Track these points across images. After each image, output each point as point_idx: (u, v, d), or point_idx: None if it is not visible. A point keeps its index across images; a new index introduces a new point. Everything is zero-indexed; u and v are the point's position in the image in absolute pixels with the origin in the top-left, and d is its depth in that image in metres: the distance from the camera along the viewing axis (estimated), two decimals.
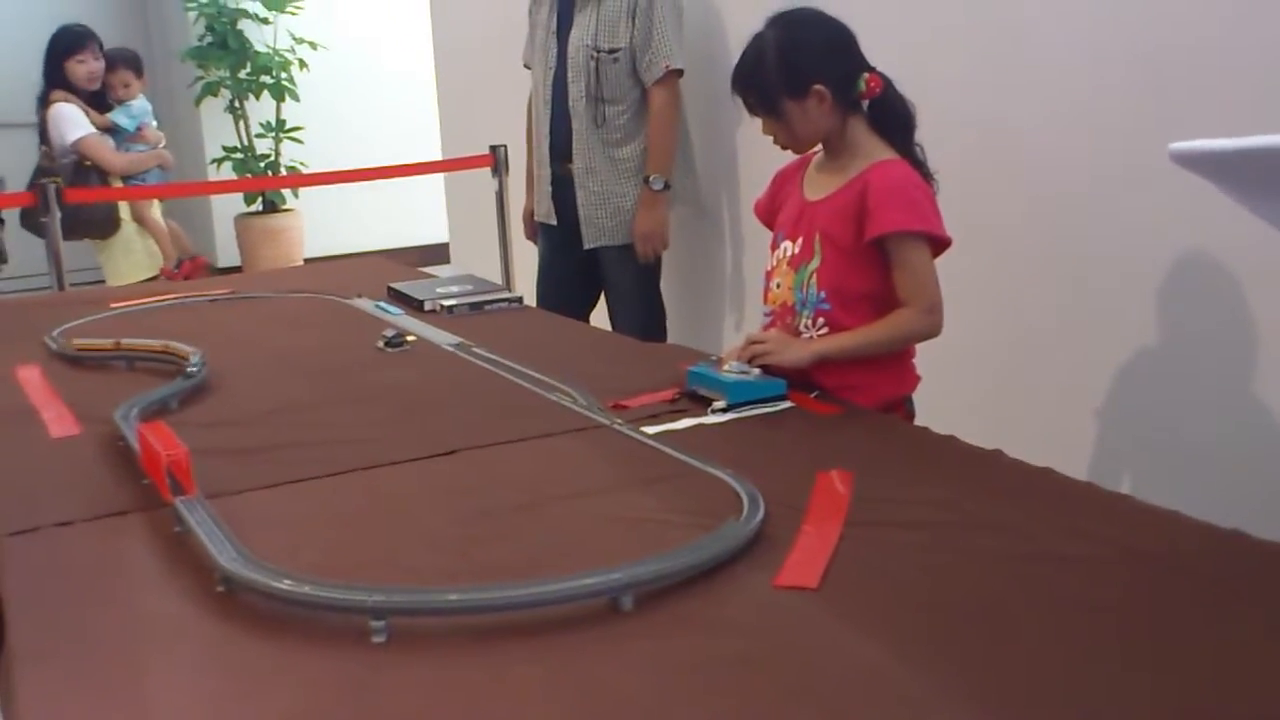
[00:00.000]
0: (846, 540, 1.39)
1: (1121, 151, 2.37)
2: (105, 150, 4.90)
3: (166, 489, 1.51)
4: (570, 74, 3.48)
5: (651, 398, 2.00)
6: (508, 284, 4.34)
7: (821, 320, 2.04)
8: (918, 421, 2.07)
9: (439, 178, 5.68)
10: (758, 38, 2.06)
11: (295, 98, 7.14)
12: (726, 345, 2.84)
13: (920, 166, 2.07)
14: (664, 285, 3.67)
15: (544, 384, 2.12)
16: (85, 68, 4.89)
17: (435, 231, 6.26)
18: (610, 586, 1.24)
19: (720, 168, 3.64)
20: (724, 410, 1.90)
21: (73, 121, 4.82)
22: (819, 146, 2.12)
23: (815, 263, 2.05)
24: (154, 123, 5.22)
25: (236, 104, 7.11)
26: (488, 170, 4.58)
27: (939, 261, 2.02)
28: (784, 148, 2.13)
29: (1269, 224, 1.26)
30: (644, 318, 3.57)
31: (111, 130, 5.00)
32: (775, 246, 2.17)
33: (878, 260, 2.01)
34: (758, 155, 2.91)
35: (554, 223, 3.63)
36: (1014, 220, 2.64)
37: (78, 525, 1.55)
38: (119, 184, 4.93)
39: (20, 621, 1.27)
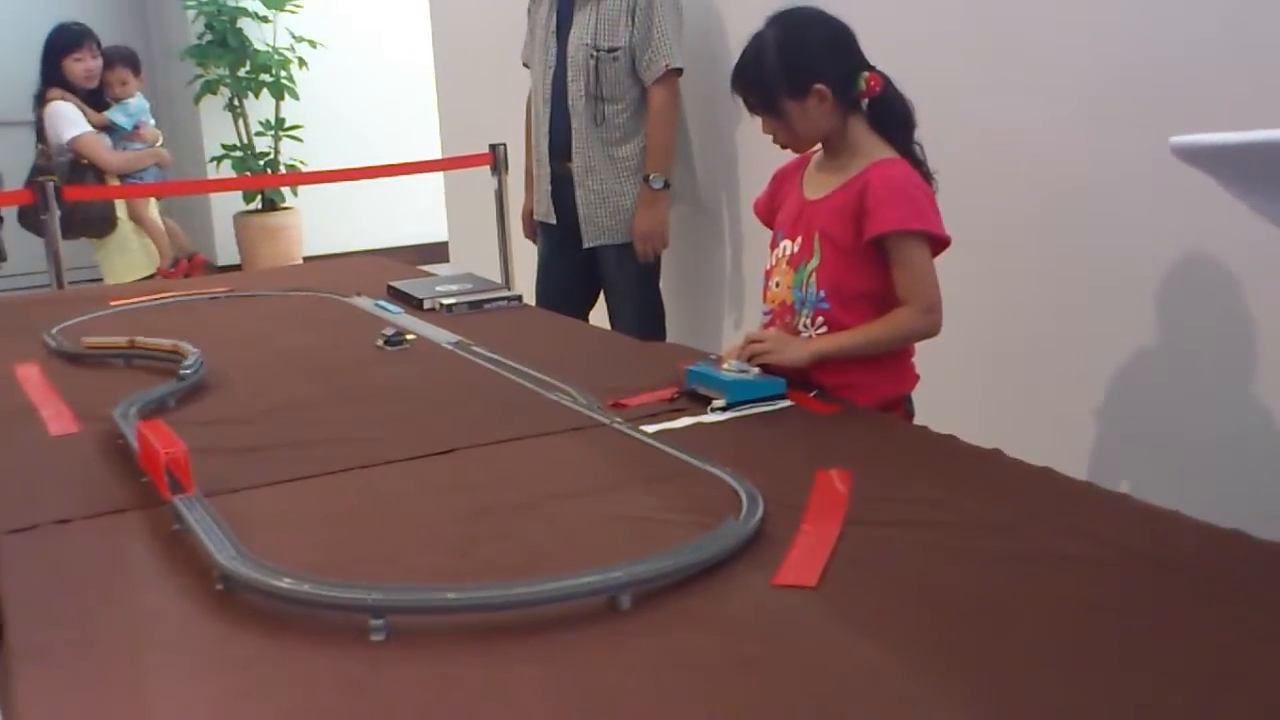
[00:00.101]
0: (845, 539, 1.39)
1: (1121, 151, 2.37)
2: (101, 148, 4.89)
3: (165, 487, 1.51)
4: (570, 73, 3.48)
5: (651, 396, 2.00)
6: (507, 283, 4.34)
7: (821, 319, 2.04)
8: (917, 420, 2.07)
9: (438, 176, 5.68)
10: (758, 37, 2.06)
11: (295, 96, 7.13)
12: (726, 344, 2.84)
13: (920, 166, 2.07)
14: (663, 284, 3.67)
15: (543, 383, 2.12)
16: (82, 66, 4.89)
17: (434, 230, 6.26)
18: (609, 585, 1.24)
19: (719, 167, 3.64)
20: (723, 409, 1.90)
21: (69, 120, 4.81)
22: (818, 145, 2.12)
23: (814, 262, 2.05)
24: (151, 121, 5.21)
25: (236, 102, 7.11)
26: (487, 169, 4.58)
27: (938, 261, 2.02)
28: (783, 147, 2.13)
29: (1269, 221, 1.26)
30: (643, 316, 3.57)
31: (109, 128, 4.99)
32: (774, 245, 2.17)
33: (877, 259, 2.01)
34: (757, 154, 2.91)
35: (553, 221, 3.63)
36: (1014, 220, 2.64)
37: (77, 523, 1.55)
38: (116, 182, 4.92)
39: (19, 619, 1.27)
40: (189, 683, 1.16)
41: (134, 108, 5.10)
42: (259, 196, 7.16)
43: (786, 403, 1.93)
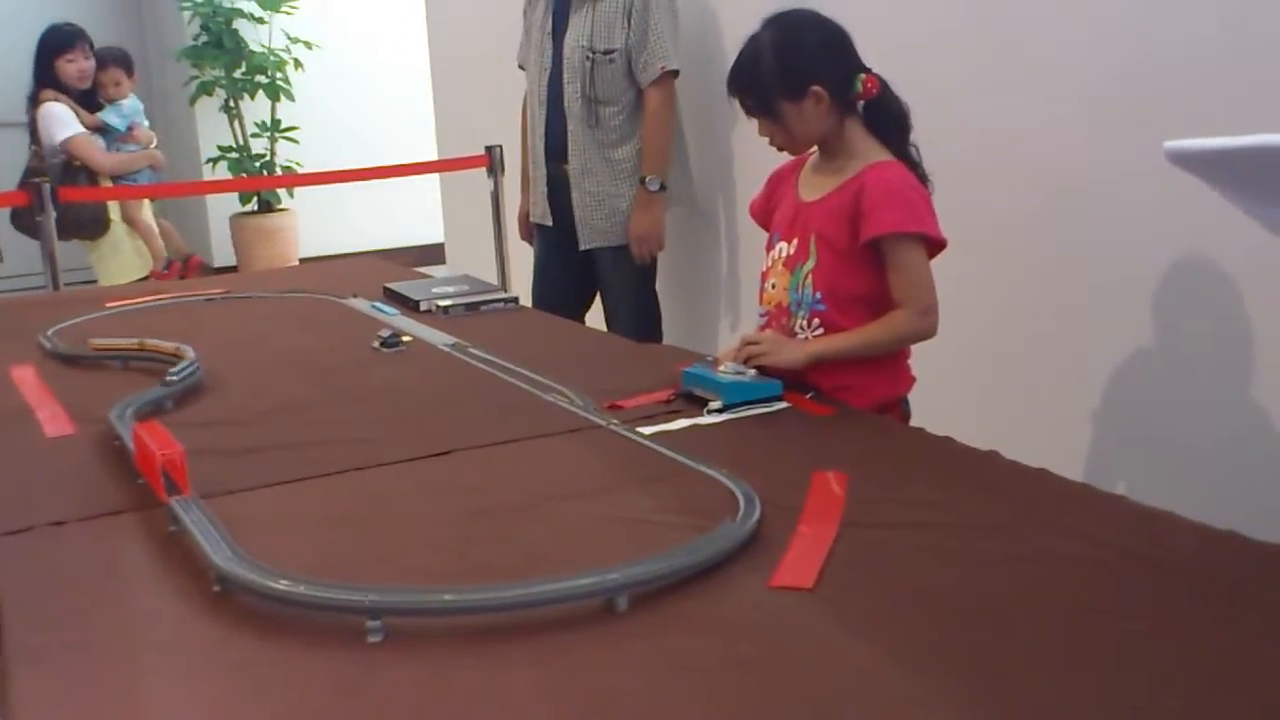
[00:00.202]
0: (842, 541, 1.39)
1: (1120, 152, 2.37)
2: (94, 150, 4.87)
3: (162, 489, 1.51)
4: (566, 75, 3.48)
5: (647, 398, 2.00)
6: (503, 284, 4.34)
7: (817, 321, 2.05)
8: (914, 422, 2.07)
9: (434, 178, 5.68)
10: (754, 39, 2.06)
11: (290, 97, 7.13)
12: (722, 346, 2.84)
13: (916, 168, 2.07)
14: (659, 286, 3.67)
15: (540, 384, 2.12)
16: (75, 66, 4.87)
17: (431, 232, 6.26)
18: (606, 587, 1.24)
19: (716, 169, 3.64)
20: (720, 411, 1.90)
21: (61, 121, 4.80)
22: (814, 148, 2.12)
23: (810, 264, 2.05)
24: (145, 122, 5.19)
25: (231, 104, 7.11)
26: (483, 170, 4.58)
27: (935, 263, 2.02)
28: (780, 149, 2.13)
29: (1263, 225, 1.27)
30: (639, 318, 3.57)
31: (102, 130, 4.98)
32: (770, 247, 2.17)
33: (873, 261, 2.01)
34: (753, 156, 2.91)
35: (549, 223, 3.63)
36: (1010, 221, 2.64)
37: (72, 525, 1.55)
38: (109, 184, 4.91)
39: (15, 621, 1.27)
40: (185, 684, 1.16)
41: (127, 109, 5.09)
42: (255, 198, 7.16)
43: (783, 404, 1.93)
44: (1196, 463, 2.30)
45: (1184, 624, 1.17)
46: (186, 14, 7.02)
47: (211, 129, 7.23)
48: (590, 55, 3.43)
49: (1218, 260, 2.23)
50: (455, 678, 1.13)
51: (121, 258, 4.94)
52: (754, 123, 2.11)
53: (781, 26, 2.05)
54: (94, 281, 4.99)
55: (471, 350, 2.41)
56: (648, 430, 1.84)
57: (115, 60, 5.09)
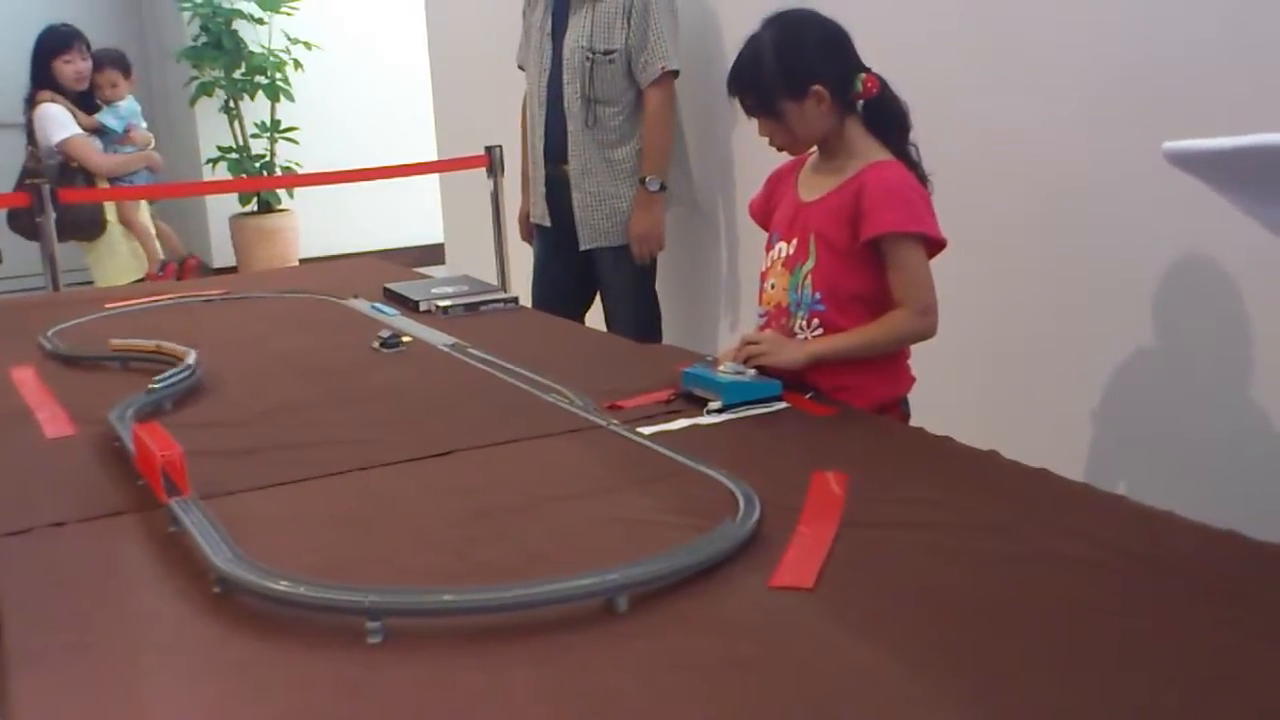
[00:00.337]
0: (842, 541, 1.39)
1: (1120, 151, 2.37)
2: (90, 151, 4.87)
3: (161, 490, 1.51)
4: (565, 75, 3.48)
5: (647, 398, 2.00)
6: (503, 285, 4.34)
7: (816, 321, 2.04)
8: (914, 422, 2.07)
9: (434, 178, 5.68)
10: (754, 38, 2.06)
11: (290, 98, 7.13)
12: (722, 346, 2.84)
13: (915, 167, 2.07)
14: (659, 286, 3.67)
15: (540, 385, 2.12)
16: (72, 68, 4.87)
17: (430, 232, 6.26)
18: (606, 587, 1.24)
19: (715, 169, 3.64)
20: (719, 411, 1.90)
21: (58, 122, 4.79)
22: (814, 148, 2.12)
23: (810, 264, 2.05)
24: (143, 124, 5.18)
25: (231, 104, 7.10)
26: (483, 171, 4.58)
27: (934, 262, 2.02)
28: (780, 149, 2.13)
29: (1262, 225, 1.26)
30: (639, 318, 3.57)
31: (99, 131, 4.97)
32: (770, 247, 2.17)
33: (872, 261, 2.01)
34: (753, 156, 2.91)
35: (548, 224, 3.63)
36: (1010, 221, 2.64)
37: (72, 526, 1.55)
38: (106, 185, 4.91)
39: (15, 622, 1.27)
40: (185, 685, 1.16)
41: (124, 110, 5.08)
42: (255, 198, 7.16)
43: (782, 404, 1.94)
44: (1197, 462, 2.30)
45: (1184, 624, 1.17)
46: (186, 15, 7.02)
47: (211, 129, 7.23)
48: (590, 56, 3.43)
49: (1218, 260, 2.23)
50: (456, 678, 1.13)
51: (118, 259, 4.93)
52: (754, 123, 2.11)
53: (782, 26, 2.05)
54: (91, 283, 4.99)
55: (471, 351, 2.41)
56: (647, 430, 1.84)
57: (112, 62, 5.08)
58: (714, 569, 1.32)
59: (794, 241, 2.09)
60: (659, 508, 1.52)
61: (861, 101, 2.05)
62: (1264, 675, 1.07)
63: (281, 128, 7.16)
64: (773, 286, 2.13)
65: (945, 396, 2.25)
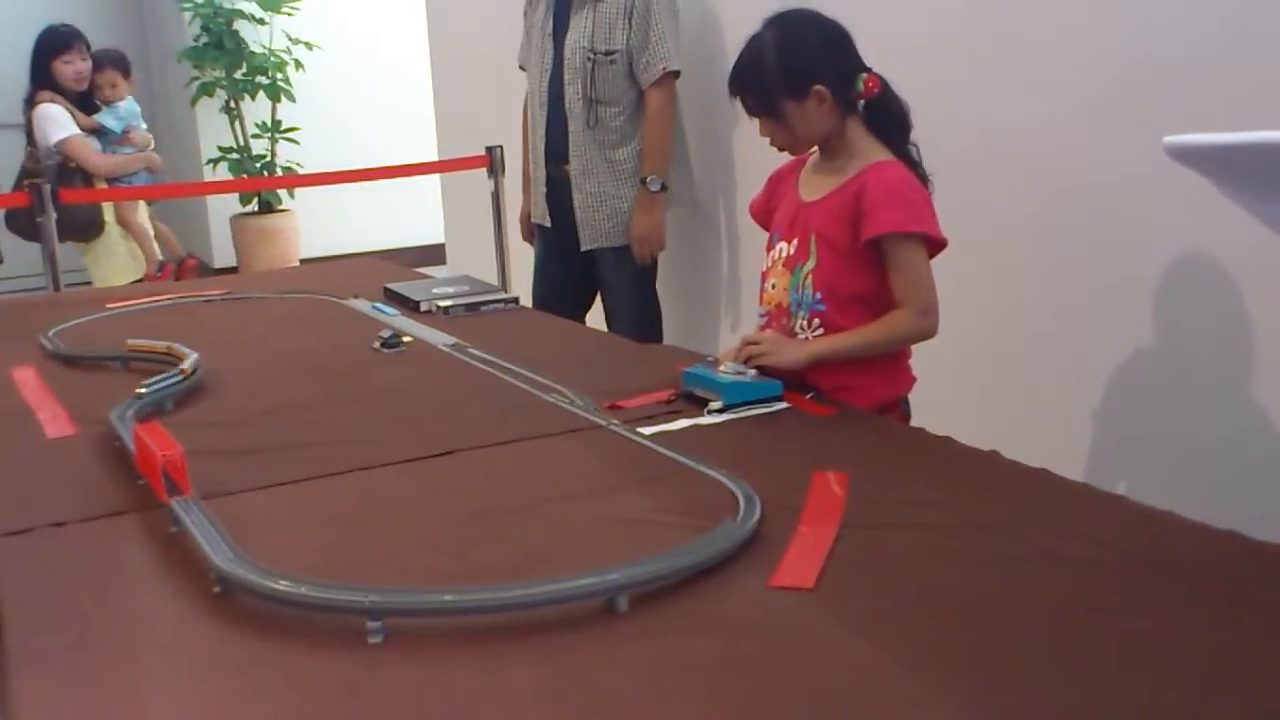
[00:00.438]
0: (842, 541, 1.39)
1: (1120, 151, 2.37)
2: (89, 151, 4.86)
3: (162, 489, 1.51)
4: (566, 76, 3.48)
5: (647, 398, 2.00)
6: (504, 285, 4.34)
7: (817, 321, 2.04)
8: (914, 422, 2.07)
9: (435, 179, 5.68)
10: (756, 38, 2.06)
11: (291, 98, 7.13)
12: (722, 346, 2.84)
13: (916, 167, 2.07)
14: (660, 286, 3.67)
15: (540, 385, 2.12)
16: (72, 68, 4.86)
17: (431, 232, 6.26)
18: (606, 587, 1.24)
19: (716, 169, 3.64)
20: (720, 411, 1.90)
21: (57, 122, 4.78)
22: (814, 148, 2.12)
23: (810, 264, 2.05)
24: (142, 125, 5.17)
25: (232, 104, 7.11)
26: (484, 171, 4.58)
27: (935, 262, 2.02)
28: (781, 149, 2.13)
29: (1261, 222, 1.26)
30: (640, 319, 3.57)
31: (98, 132, 4.96)
32: (771, 247, 2.17)
33: (873, 261, 2.01)
34: (754, 156, 2.91)
35: (549, 224, 3.63)
36: (1011, 221, 2.64)
37: (73, 526, 1.55)
38: (104, 186, 4.90)
39: (16, 622, 1.27)
40: (186, 685, 1.16)
41: (124, 111, 5.07)
42: (255, 199, 7.16)
43: (783, 405, 1.93)
44: (1197, 462, 2.30)
45: (1185, 624, 1.17)
46: (187, 15, 7.02)
47: (212, 130, 7.23)
48: (591, 56, 3.43)
49: (1218, 259, 2.23)
50: (456, 678, 1.13)
51: (115, 260, 4.92)
52: (754, 123, 2.11)
53: (783, 26, 2.05)
54: (90, 283, 4.98)
55: (472, 351, 2.41)
56: (648, 430, 1.84)
57: (112, 62, 5.07)
58: (714, 569, 1.32)
59: (795, 241, 2.09)
60: (659, 508, 1.52)
61: (862, 101, 2.05)
62: (1264, 675, 1.07)
63: (282, 128, 7.17)
64: (773, 286, 2.13)
65: (946, 397, 2.25)
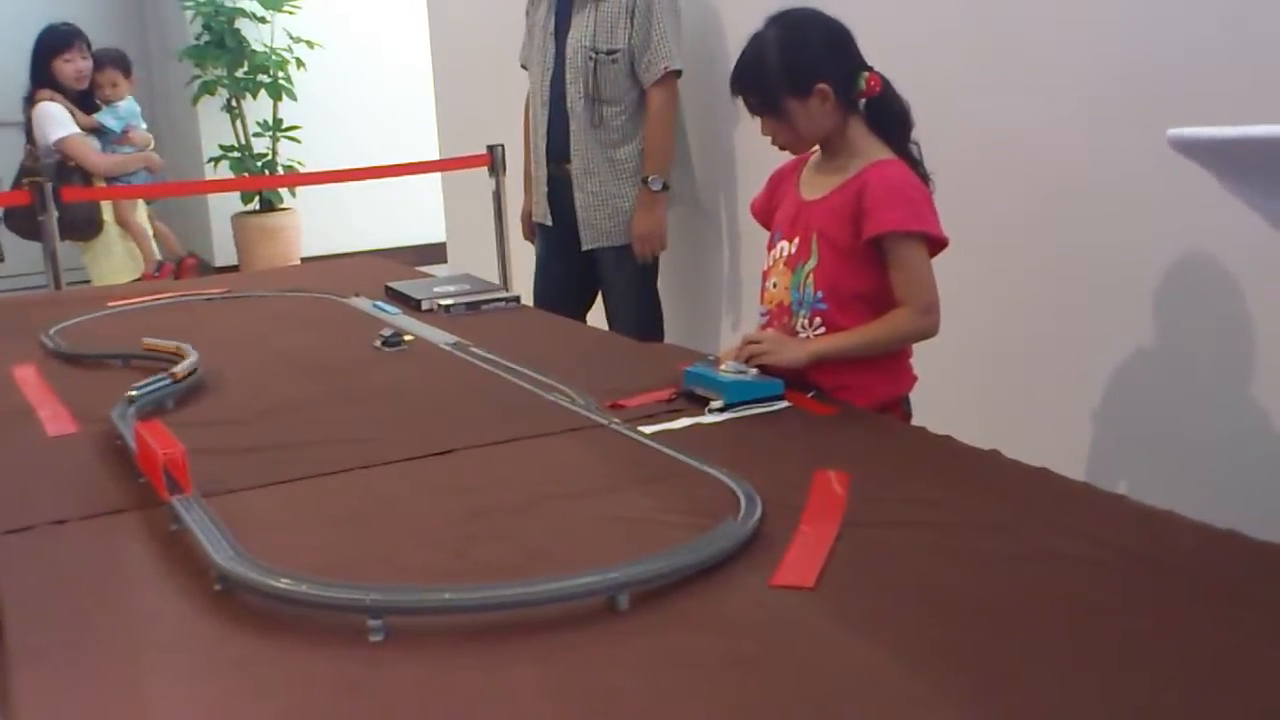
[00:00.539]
0: (843, 540, 1.39)
1: (1120, 151, 2.37)
2: (88, 150, 4.85)
3: (163, 487, 1.51)
4: (568, 75, 3.48)
5: (649, 397, 2.00)
6: (505, 284, 4.34)
7: (818, 320, 2.04)
8: (915, 421, 2.07)
9: (436, 177, 5.68)
10: (758, 37, 2.06)
11: (292, 97, 7.13)
12: (723, 345, 2.84)
13: (917, 166, 2.07)
14: (661, 285, 3.67)
15: (541, 384, 2.12)
16: (72, 67, 4.86)
17: (432, 231, 6.26)
18: (607, 586, 1.24)
19: (718, 168, 3.64)
20: (721, 410, 1.90)
21: (56, 121, 4.78)
22: (815, 147, 2.12)
23: (812, 263, 2.05)
24: (142, 125, 5.16)
25: (233, 103, 7.11)
26: (485, 170, 4.58)
27: (936, 261, 2.02)
28: (782, 148, 2.13)
29: (1262, 216, 1.26)
30: (641, 317, 3.57)
31: (98, 131, 4.96)
32: (772, 246, 2.17)
33: (874, 260, 2.01)
34: (755, 156, 2.91)
35: (551, 223, 3.63)
36: (1012, 220, 2.64)
37: (74, 524, 1.55)
38: (103, 185, 4.89)
39: (17, 620, 1.27)
40: (186, 683, 1.16)
41: (124, 110, 5.06)
42: (257, 197, 7.16)
43: (784, 404, 1.93)
44: (1197, 462, 2.30)
45: (1185, 623, 1.17)
46: (189, 13, 7.02)
47: (213, 128, 7.24)
48: (593, 55, 3.43)
49: (1218, 259, 2.23)
50: (457, 677, 1.13)
51: (113, 259, 4.92)
52: (756, 122, 2.11)
53: (785, 25, 2.05)
54: (88, 282, 4.98)
55: (473, 349, 2.41)
56: (649, 429, 1.84)
57: (113, 61, 5.07)
58: (715, 568, 1.32)
59: (796, 240, 2.09)
60: (660, 507, 1.52)
61: (863, 100, 2.05)
62: (1265, 675, 1.07)
63: (284, 126, 7.17)
64: (774, 285, 2.13)
65: (947, 396, 2.25)
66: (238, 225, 7.22)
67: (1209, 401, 2.30)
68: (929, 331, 2.03)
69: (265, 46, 7.12)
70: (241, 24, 7.08)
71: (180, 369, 2.13)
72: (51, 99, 4.81)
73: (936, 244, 2.02)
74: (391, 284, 3.06)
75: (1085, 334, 2.52)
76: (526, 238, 3.87)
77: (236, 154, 7.11)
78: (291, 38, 7.12)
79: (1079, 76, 2.46)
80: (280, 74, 7.10)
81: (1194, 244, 2.27)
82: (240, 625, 1.25)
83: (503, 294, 2.99)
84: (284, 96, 7.10)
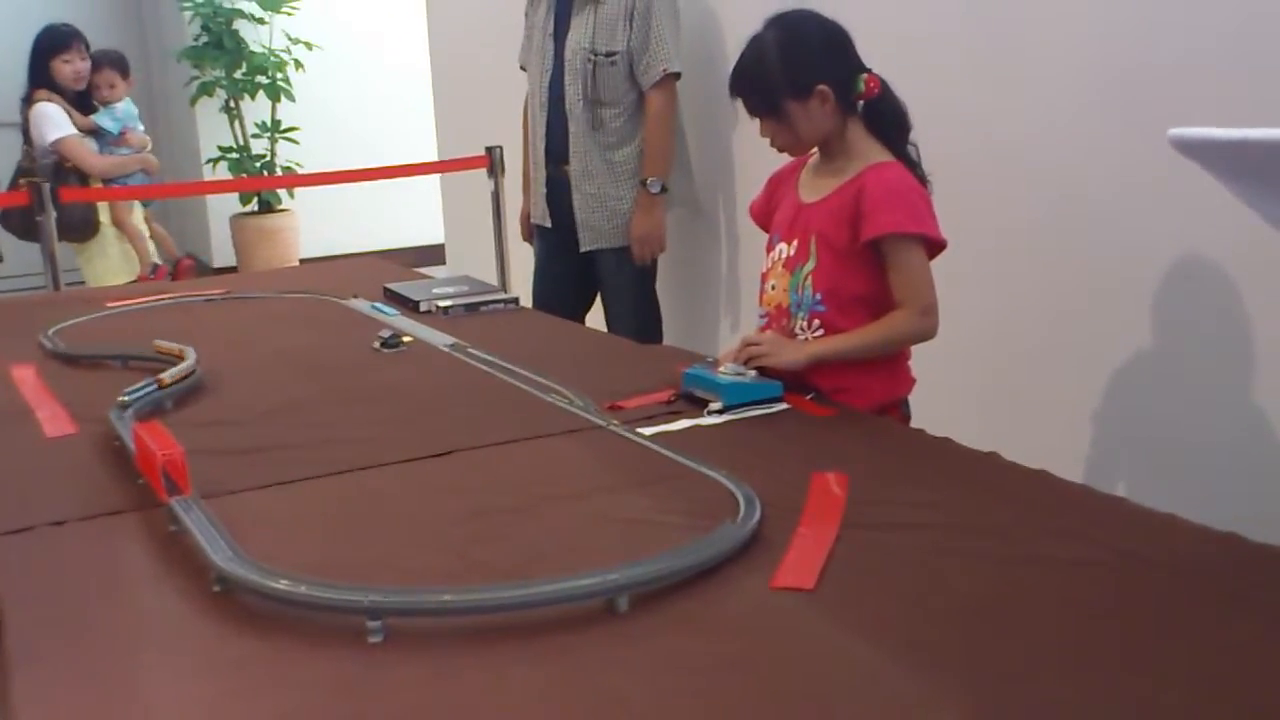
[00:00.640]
0: (842, 542, 1.39)
1: (1120, 154, 2.37)
2: (85, 151, 4.84)
3: (162, 489, 1.51)
4: (567, 77, 3.48)
5: (647, 399, 2.00)
6: (503, 285, 4.34)
7: (817, 322, 2.04)
8: (914, 423, 2.07)
9: (435, 179, 5.68)
10: (757, 39, 2.06)
11: (291, 98, 7.13)
12: (722, 347, 2.84)
13: (915, 168, 2.07)
14: (660, 287, 3.67)
15: (540, 385, 2.12)
16: (71, 67, 4.85)
17: (431, 232, 6.26)
18: (606, 587, 1.24)
19: (716, 170, 3.64)
20: (720, 412, 1.90)
21: (53, 121, 4.77)
22: (814, 149, 2.12)
23: (810, 265, 2.05)
24: (140, 126, 5.15)
25: (232, 104, 7.11)
26: (484, 171, 4.58)
27: (935, 263, 2.02)
28: (781, 150, 2.13)
29: (1264, 218, 1.26)
30: (640, 319, 3.57)
31: (95, 132, 4.95)
32: (770, 248, 2.17)
33: (873, 262, 2.01)
34: (754, 158, 2.91)
35: (549, 225, 3.63)
36: (1010, 222, 2.64)
37: (73, 524, 1.55)
38: (99, 186, 4.89)
39: (16, 620, 1.27)
40: (185, 684, 1.16)
41: (121, 112, 5.05)
42: (255, 198, 7.16)
43: (783, 405, 1.93)
44: (1197, 464, 2.30)
45: (1185, 625, 1.17)
46: (187, 14, 7.02)
47: (212, 129, 7.23)
48: (592, 57, 3.43)
49: (1218, 261, 2.23)
50: (456, 678, 1.13)
51: (109, 261, 4.91)
52: (754, 125, 2.11)
53: (784, 26, 2.05)
54: (83, 283, 4.97)
55: (471, 351, 2.41)
56: (648, 431, 1.84)
57: (111, 63, 5.06)
58: (715, 570, 1.32)
59: (794, 243, 2.09)
60: (659, 508, 1.52)
61: (862, 102, 2.05)
62: (1265, 677, 1.07)
63: (282, 128, 7.17)
64: (773, 288, 2.13)
65: (945, 398, 2.25)
66: (236, 226, 7.21)
67: (1208, 404, 2.30)
68: (928, 333, 2.03)
69: (264, 48, 7.11)
70: (240, 25, 7.08)
71: (167, 376, 2.10)
72: (49, 99, 4.81)
73: (935, 246, 2.02)
74: (390, 285, 3.06)
75: (1084, 336, 2.52)
76: (525, 239, 3.87)
77: (235, 155, 7.11)
78: (290, 39, 7.11)
79: (1078, 79, 2.46)
80: (279, 75, 7.10)
81: (1194, 246, 2.27)
82: (239, 626, 1.24)
83: (501, 295, 2.99)
84: (282, 98, 7.10)
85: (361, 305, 2.95)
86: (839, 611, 1.23)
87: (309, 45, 7.14)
